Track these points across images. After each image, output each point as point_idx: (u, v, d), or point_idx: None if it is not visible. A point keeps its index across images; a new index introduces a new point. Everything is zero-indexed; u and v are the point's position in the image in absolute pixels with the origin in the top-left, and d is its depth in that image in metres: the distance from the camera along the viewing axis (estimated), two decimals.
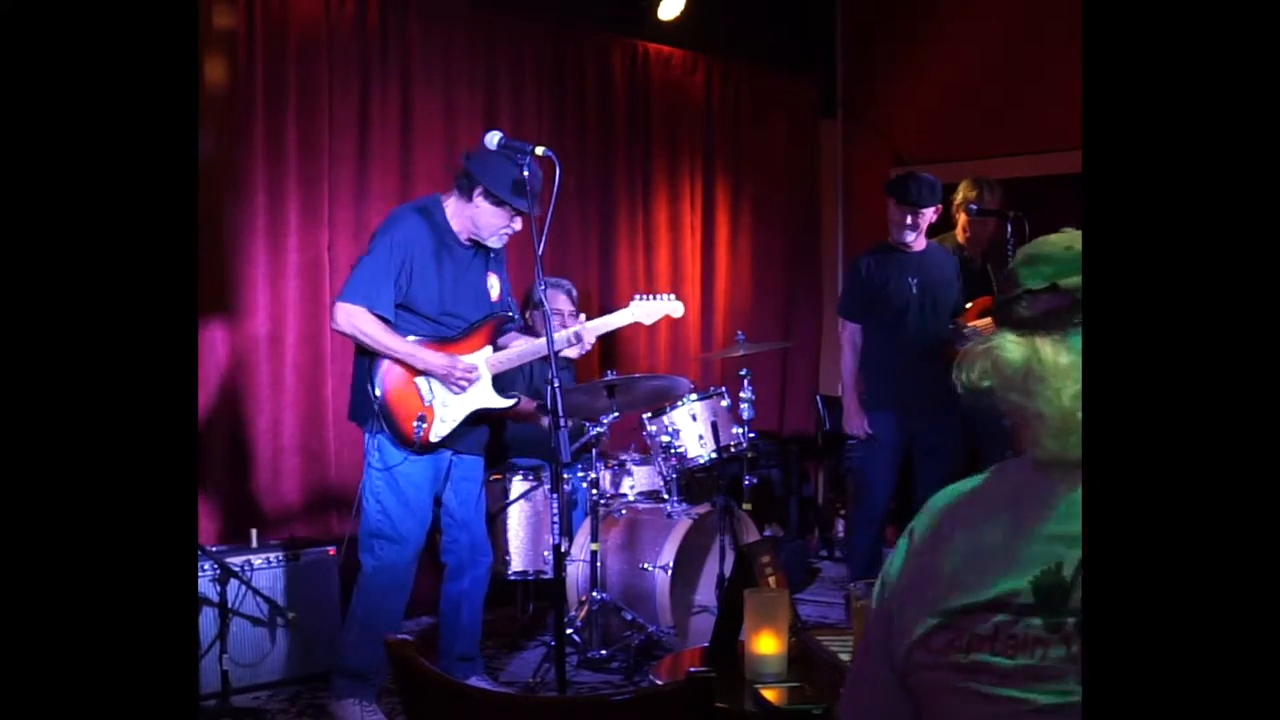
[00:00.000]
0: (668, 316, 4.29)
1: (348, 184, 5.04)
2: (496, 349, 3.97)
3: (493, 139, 3.58)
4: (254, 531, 4.43)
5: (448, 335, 3.86)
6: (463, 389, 3.84)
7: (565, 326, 4.84)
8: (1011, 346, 1.29)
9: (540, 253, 3.48)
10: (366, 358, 3.80)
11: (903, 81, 7.00)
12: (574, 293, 5.06)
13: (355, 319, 3.72)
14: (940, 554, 1.30)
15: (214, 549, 4.13)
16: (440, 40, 5.36)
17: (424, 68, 5.30)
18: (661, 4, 6.02)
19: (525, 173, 3.67)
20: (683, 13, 6.06)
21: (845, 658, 2.32)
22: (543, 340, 3.93)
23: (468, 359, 3.87)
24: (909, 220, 4.84)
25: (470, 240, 3.87)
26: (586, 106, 5.99)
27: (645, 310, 4.15)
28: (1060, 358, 1.25)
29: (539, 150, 3.48)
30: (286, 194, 4.83)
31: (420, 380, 3.81)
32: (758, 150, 6.89)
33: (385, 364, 3.77)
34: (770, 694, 2.12)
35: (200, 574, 3.91)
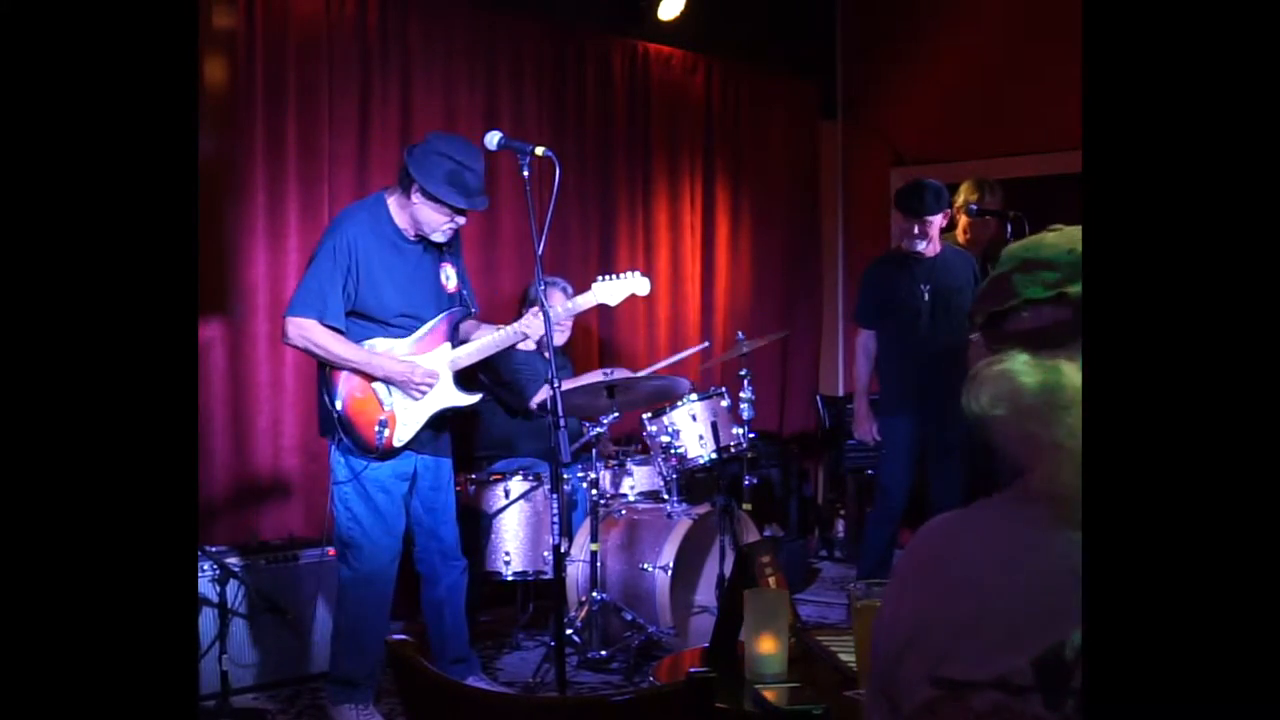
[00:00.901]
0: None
1: (348, 184, 5.03)
2: (456, 344, 3.91)
3: (493, 139, 3.57)
4: (254, 532, 4.43)
5: (404, 337, 3.81)
6: (423, 394, 3.79)
7: (559, 325, 4.85)
8: (1027, 369, 1.16)
9: (540, 252, 3.48)
10: (325, 369, 3.75)
11: (903, 82, 6.99)
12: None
13: (307, 332, 3.66)
14: (943, 606, 1.20)
15: (214, 549, 4.13)
16: (440, 40, 5.36)
17: (424, 68, 5.29)
18: (661, 4, 6.02)
19: (463, 167, 3.65)
20: (683, 13, 6.06)
21: (845, 658, 2.32)
22: (503, 333, 3.90)
23: (426, 359, 3.81)
24: (916, 230, 4.84)
25: (418, 236, 3.82)
26: (586, 106, 5.99)
27: (608, 291, 4.05)
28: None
29: (539, 150, 3.47)
30: (286, 194, 4.83)
31: (378, 385, 3.75)
32: (758, 150, 6.89)
33: (341, 373, 3.72)
34: (770, 694, 2.12)
35: (200, 574, 3.91)
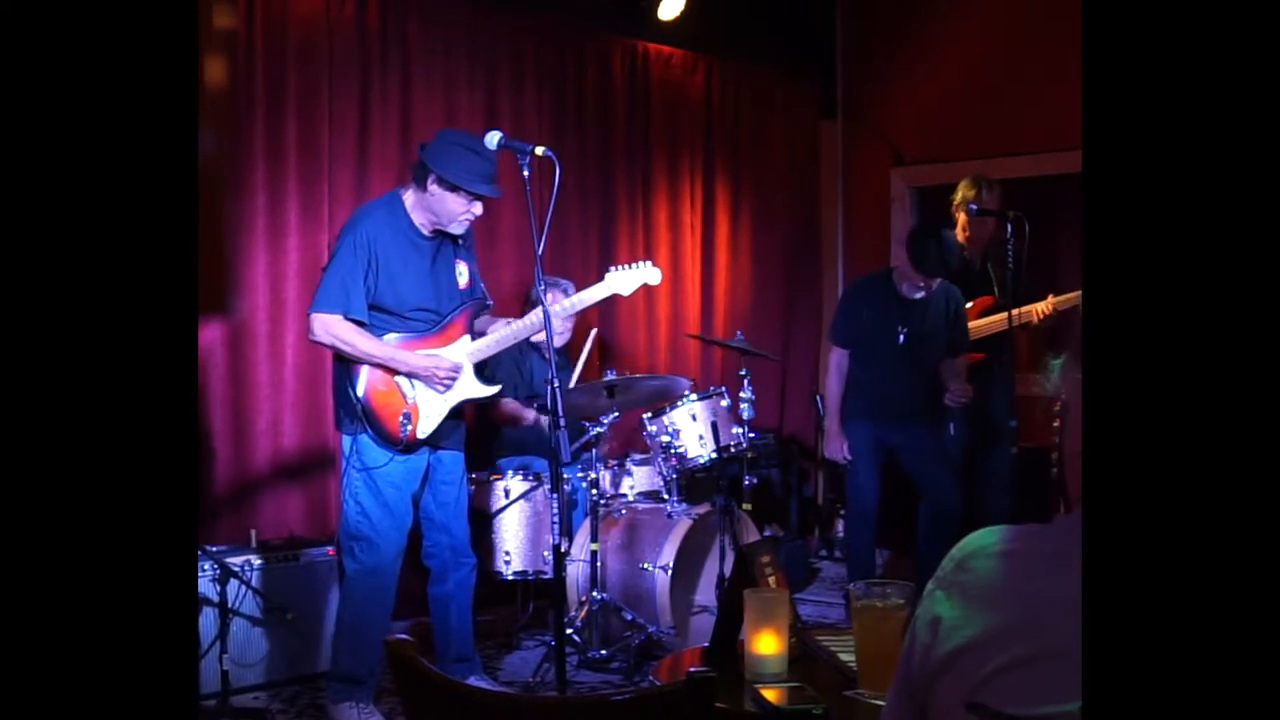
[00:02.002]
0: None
1: (348, 184, 5.03)
2: (475, 337, 3.95)
3: (493, 139, 3.57)
4: (254, 531, 4.43)
5: (424, 331, 3.84)
6: (448, 388, 3.82)
7: (561, 327, 4.86)
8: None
9: (540, 252, 3.48)
10: (344, 362, 3.77)
11: (903, 81, 6.99)
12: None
13: (332, 328, 3.69)
14: (998, 633, 1.14)
15: (214, 549, 4.13)
16: (440, 40, 5.36)
17: (424, 68, 5.29)
18: (661, 4, 6.02)
19: (479, 155, 3.69)
20: (683, 13, 6.06)
21: (845, 658, 2.32)
22: (520, 324, 3.92)
23: (447, 352, 3.84)
24: (921, 282, 4.82)
25: (434, 231, 3.85)
26: (586, 106, 5.99)
27: (621, 281, 4.07)
28: None
29: (539, 150, 3.47)
30: (286, 194, 4.83)
31: (401, 378, 3.79)
32: (758, 150, 6.89)
33: (363, 366, 3.75)
34: (770, 694, 2.12)
35: (200, 574, 3.91)
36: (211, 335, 4.61)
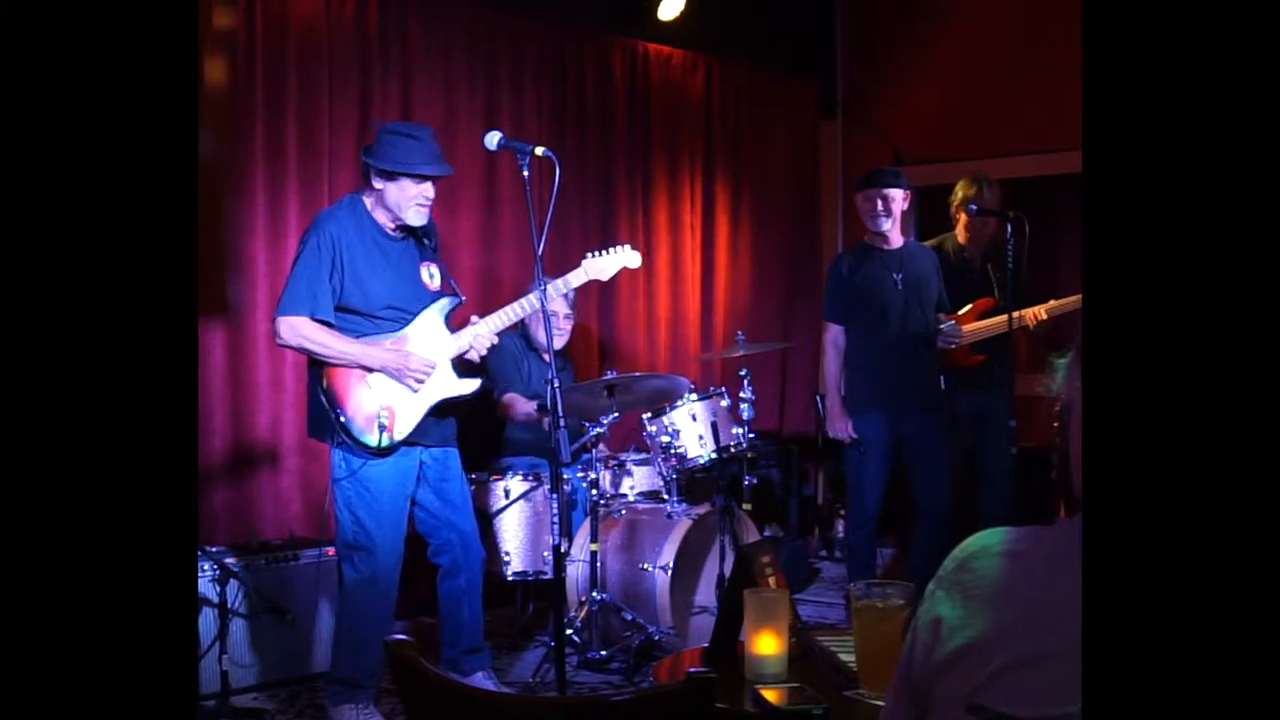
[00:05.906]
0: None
1: (348, 184, 5.02)
2: (452, 333, 3.92)
3: (492, 139, 3.57)
4: (254, 531, 4.43)
5: (395, 330, 3.82)
6: (420, 383, 3.79)
7: (560, 328, 4.85)
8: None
9: (540, 253, 3.48)
10: (317, 368, 3.74)
11: (903, 81, 6.99)
12: (571, 295, 5.03)
13: (300, 329, 3.66)
14: (999, 635, 1.13)
15: (214, 549, 4.13)
16: (440, 40, 5.37)
17: (424, 68, 5.30)
18: (661, 4, 6.02)
19: (414, 138, 3.70)
20: (683, 13, 6.06)
21: (845, 658, 2.32)
22: (494, 319, 3.91)
23: (422, 348, 3.81)
24: (879, 206, 4.83)
25: (399, 230, 3.83)
26: (586, 106, 5.99)
27: (599, 266, 4.06)
28: None
29: (539, 150, 3.47)
30: (286, 194, 4.83)
31: (375, 380, 3.75)
32: (758, 150, 6.89)
33: (335, 373, 3.72)
34: (770, 694, 2.12)
35: (200, 574, 3.91)
36: (211, 335, 4.61)
